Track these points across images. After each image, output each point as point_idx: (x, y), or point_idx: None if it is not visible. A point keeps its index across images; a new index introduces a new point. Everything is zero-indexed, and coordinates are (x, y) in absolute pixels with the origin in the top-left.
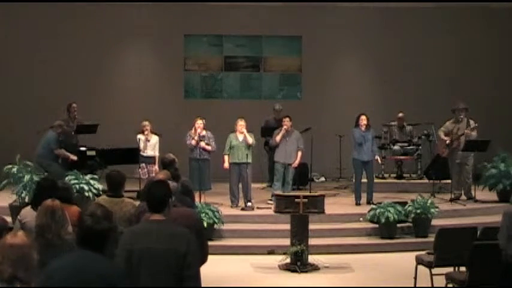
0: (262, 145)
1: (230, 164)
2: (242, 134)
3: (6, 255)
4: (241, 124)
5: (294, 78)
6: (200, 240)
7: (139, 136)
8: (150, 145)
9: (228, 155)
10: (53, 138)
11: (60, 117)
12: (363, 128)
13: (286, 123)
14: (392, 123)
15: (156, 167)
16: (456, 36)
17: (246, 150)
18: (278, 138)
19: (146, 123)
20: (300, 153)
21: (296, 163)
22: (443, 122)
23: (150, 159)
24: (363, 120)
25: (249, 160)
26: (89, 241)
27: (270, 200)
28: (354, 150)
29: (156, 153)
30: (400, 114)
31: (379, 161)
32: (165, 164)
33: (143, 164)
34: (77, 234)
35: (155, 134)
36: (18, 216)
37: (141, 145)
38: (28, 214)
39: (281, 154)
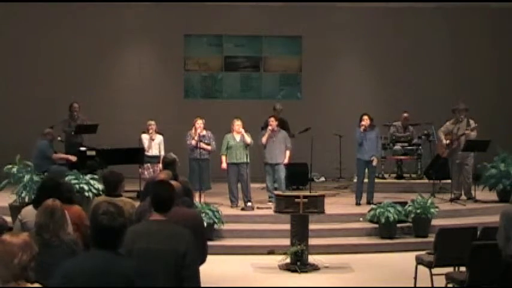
0: (262, 145)
1: (228, 164)
2: (239, 134)
3: None
4: (238, 124)
5: (294, 78)
6: (201, 240)
7: (144, 135)
8: (155, 145)
9: (225, 155)
10: (46, 145)
11: (61, 117)
12: (363, 128)
13: (272, 123)
14: (395, 123)
15: (161, 166)
16: (456, 36)
17: (244, 150)
18: (264, 139)
19: (152, 122)
20: (288, 153)
21: (285, 162)
22: (443, 122)
23: (155, 159)
24: (364, 120)
25: (248, 160)
26: (107, 240)
27: (270, 200)
28: (356, 149)
29: (162, 153)
30: (405, 114)
31: (374, 163)
32: (167, 164)
33: (148, 164)
34: (91, 235)
35: (159, 133)
36: (19, 216)
37: (146, 144)
38: (29, 214)
39: (269, 155)
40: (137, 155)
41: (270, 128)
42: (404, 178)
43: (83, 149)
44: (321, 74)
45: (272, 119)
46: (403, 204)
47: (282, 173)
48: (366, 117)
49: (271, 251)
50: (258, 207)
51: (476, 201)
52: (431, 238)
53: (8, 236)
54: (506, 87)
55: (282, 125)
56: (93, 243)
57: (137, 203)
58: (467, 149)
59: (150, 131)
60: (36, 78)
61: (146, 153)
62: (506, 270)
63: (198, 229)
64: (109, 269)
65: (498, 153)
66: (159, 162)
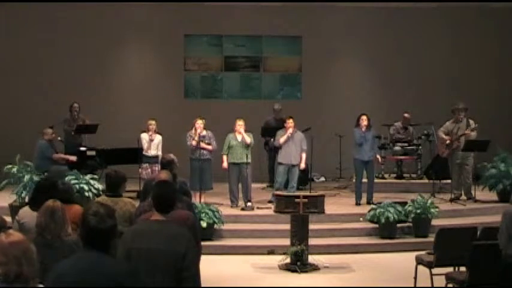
0: (262, 145)
1: (229, 164)
2: (240, 134)
3: (11, 254)
4: (239, 124)
5: (294, 78)
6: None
7: (143, 135)
8: (154, 145)
9: (227, 154)
10: (45, 146)
11: (61, 117)
12: (364, 129)
13: (290, 124)
14: (395, 123)
15: (160, 166)
16: (456, 36)
17: (245, 150)
18: (282, 140)
19: (152, 122)
20: (304, 155)
21: (302, 165)
22: (443, 122)
23: (154, 159)
24: (364, 120)
25: (249, 160)
26: (95, 241)
27: (270, 201)
28: (354, 150)
29: (160, 153)
30: (406, 115)
31: (379, 160)
32: (164, 164)
33: (146, 164)
34: (81, 235)
35: (158, 133)
36: (16, 217)
37: (145, 145)
38: (26, 214)
39: (284, 155)
40: (136, 155)
41: (290, 130)
42: (404, 178)
43: (83, 149)
44: (321, 74)
45: (291, 120)
46: (403, 204)
47: (296, 174)
48: (365, 117)
49: (271, 251)
50: (258, 207)
51: (476, 201)
52: (431, 238)
53: (17, 235)
54: (506, 87)
55: (283, 125)
56: (83, 244)
57: (137, 203)
58: (467, 149)
59: (150, 131)
60: (36, 78)
61: (145, 153)
62: (506, 270)
63: (190, 230)
64: (96, 270)
65: (498, 153)
66: (157, 162)
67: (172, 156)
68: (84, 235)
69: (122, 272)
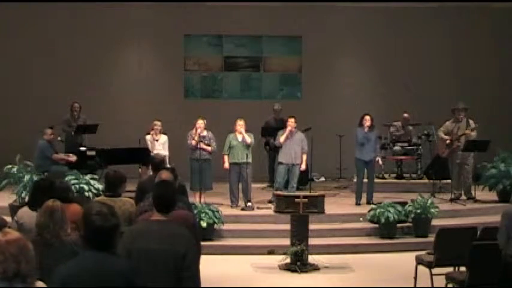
0: (262, 145)
1: (230, 164)
2: (241, 134)
3: (8, 252)
4: (240, 124)
5: (294, 78)
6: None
7: (147, 136)
8: (158, 145)
9: (228, 154)
10: (45, 146)
11: (61, 117)
12: (366, 129)
13: (291, 123)
14: (395, 123)
15: (151, 167)
16: (456, 36)
17: (245, 150)
18: (282, 139)
19: (157, 123)
20: (304, 156)
21: (303, 166)
22: (443, 122)
23: None
24: (367, 120)
25: (249, 160)
26: (101, 240)
27: (270, 201)
28: (356, 149)
29: (166, 153)
30: (405, 115)
31: (380, 163)
32: (156, 164)
33: None
34: (84, 236)
35: (164, 133)
36: (15, 217)
37: (149, 145)
38: (25, 215)
39: (284, 155)
40: (138, 154)
41: (289, 128)
42: (405, 178)
43: (83, 149)
44: (321, 74)
45: (292, 119)
46: (403, 204)
47: (297, 174)
48: (368, 117)
49: (271, 251)
50: (258, 207)
51: (476, 201)
52: (431, 238)
53: (14, 233)
54: (506, 87)
55: (283, 125)
56: (87, 245)
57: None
58: (467, 149)
59: (153, 132)
60: (36, 78)
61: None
62: (506, 270)
63: (190, 230)
64: (104, 270)
65: (498, 153)
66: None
67: (162, 155)
68: (89, 235)
69: (130, 269)
